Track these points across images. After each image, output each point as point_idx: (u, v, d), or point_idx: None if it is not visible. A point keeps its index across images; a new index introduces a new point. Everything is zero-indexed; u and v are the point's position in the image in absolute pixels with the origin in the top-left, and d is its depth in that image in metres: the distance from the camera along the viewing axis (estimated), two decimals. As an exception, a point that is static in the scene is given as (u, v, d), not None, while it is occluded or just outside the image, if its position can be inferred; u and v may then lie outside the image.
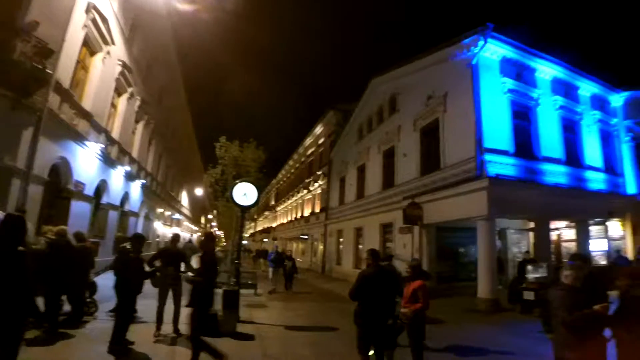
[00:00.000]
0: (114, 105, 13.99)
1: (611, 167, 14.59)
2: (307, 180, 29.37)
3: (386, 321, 4.07)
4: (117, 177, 14.61)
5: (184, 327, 5.84)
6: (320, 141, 27.27)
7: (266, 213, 52.33)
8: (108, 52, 11.91)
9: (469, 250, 12.88)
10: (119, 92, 14.10)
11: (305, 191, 29.55)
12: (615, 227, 14.25)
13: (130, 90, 14.81)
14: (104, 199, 13.59)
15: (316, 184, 26.97)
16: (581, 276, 3.47)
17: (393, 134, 15.66)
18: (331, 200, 23.32)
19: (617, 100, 15.31)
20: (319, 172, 26.42)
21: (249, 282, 11.62)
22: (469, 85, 11.11)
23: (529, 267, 9.60)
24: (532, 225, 12.17)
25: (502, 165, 10.96)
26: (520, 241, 13.68)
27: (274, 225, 44.36)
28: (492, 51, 11.46)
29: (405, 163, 14.49)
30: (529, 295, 8.87)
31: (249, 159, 16.62)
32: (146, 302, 6.18)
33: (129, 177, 16.17)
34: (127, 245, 5.67)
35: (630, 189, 14.79)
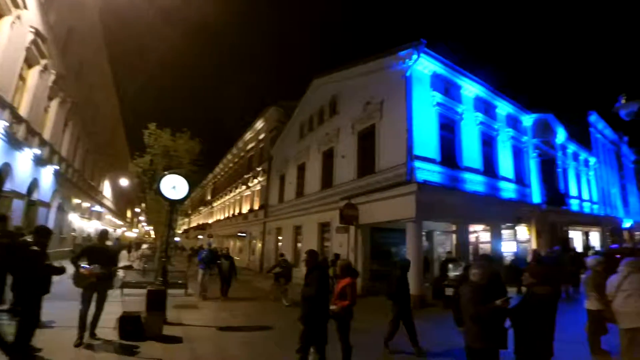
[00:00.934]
0: (22, 78, 12.21)
1: (521, 178, 16.58)
2: (246, 176, 28.66)
3: (326, 319, 4.16)
4: (23, 160, 12.76)
5: (104, 331, 5.41)
6: (261, 136, 26.80)
7: (202, 208, 49.97)
8: (18, 17, 10.38)
9: (401, 250, 13.66)
10: (29, 63, 12.34)
11: (244, 187, 28.83)
12: (523, 231, 16.28)
13: (43, 62, 13.04)
14: (7, 186, 11.78)
15: (255, 181, 26.47)
16: (486, 274, 3.88)
17: (333, 135, 16.01)
18: (271, 198, 23.07)
19: (528, 120, 17.50)
20: (258, 168, 25.96)
21: (179, 281, 11.06)
22: (403, 95, 11.81)
23: (450, 266, 10.55)
24: (454, 227, 13.32)
25: (430, 172, 11.83)
26: (445, 242, 14.92)
27: (210, 221, 42.54)
28: (424, 66, 12.30)
29: (343, 164, 14.89)
30: (449, 292, 9.55)
31: (182, 149, 15.54)
32: (62, 305, 5.54)
33: (39, 161, 14.23)
34: (29, 238, 4.96)
35: (536, 198, 16.98)
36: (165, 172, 8.14)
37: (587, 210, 22.89)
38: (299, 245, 17.42)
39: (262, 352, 5.80)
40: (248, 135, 29.47)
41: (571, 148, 21.86)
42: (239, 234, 27.69)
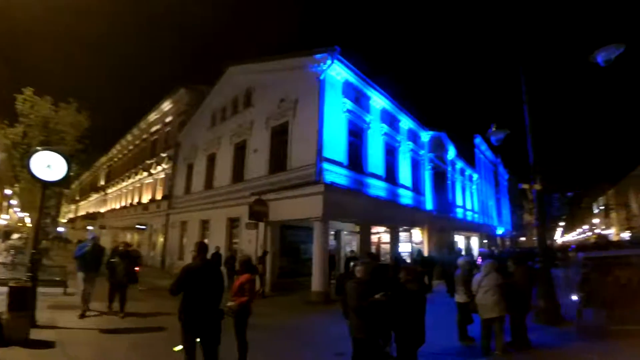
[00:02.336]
0: None
1: (417, 187, 18.35)
2: (148, 162, 25.97)
3: (212, 316, 3.89)
4: None
5: None
6: (168, 119, 24.56)
7: (93, 195, 43.88)
8: None
9: (309, 248, 13.83)
10: None
11: (146, 174, 26.11)
12: (417, 234, 18.07)
13: None
14: None
15: (159, 168, 24.18)
16: (369, 271, 4.18)
17: (246, 128, 15.51)
18: (176, 188, 21.34)
19: (425, 136, 19.50)
20: (163, 155, 23.75)
21: (57, 278, 9.65)
22: (316, 97, 12.00)
23: (352, 264, 11.07)
24: (358, 228, 14.08)
25: (337, 175, 12.27)
26: (351, 242, 15.74)
27: (102, 210, 37.59)
28: (337, 72, 12.71)
29: (255, 159, 14.53)
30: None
31: (66, 123, 13.27)
32: None
33: None
34: None
35: (429, 206, 18.99)
36: (39, 148, 6.79)
37: (469, 218, 26.55)
38: (206, 241, 16.45)
39: (150, 356, 5.29)
40: (153, 117, 26.67)
41: (459, 164, 25.12)
42: (138, 227, 24.97)
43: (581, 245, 30.95)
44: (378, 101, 15.24)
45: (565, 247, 35.85)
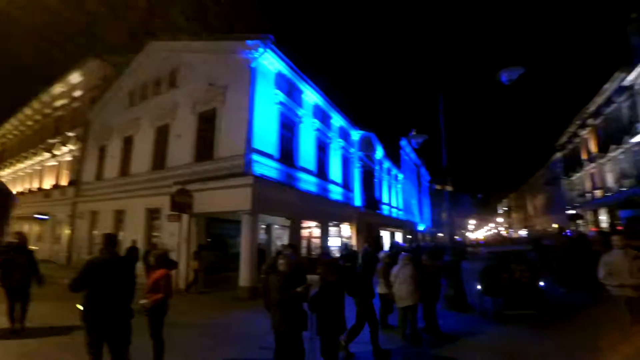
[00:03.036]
0: None
1: (347, 184, 18.90)
2: (51, 141, 22.66)
3: (120, 315, 3.49)
4: None
5: None
6: (77, 94, 21.70)
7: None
8: None
9: (237, 242, 13.27)
10: None
11: (48, 155, 22.73)
12: (346, 229, 18.58)
13: None
14: None
15: (65, 149, 21.24)
16: (291, 264, 4.12)
17: (170, 110, 14.32)
18: (85, 173, 18.98)
19: (355, 135, 20.18)
20: (70, 134, 20.89)
21: None
22: (247, 86, 11.57)
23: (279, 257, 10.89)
24: (290, 223, 13.93)
25: (267, 167, 12.01)
26: (282, 236, 15.41)
27: (-9, 195, 31.86)
28: (270, 62, 12.43)
29: (179, 145, 13.52)
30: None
31: None
32: None
33: None
34: None
35: (357, 202, 19.66)
36: None
37: (394, 215, 28.27)
38: (121, 234, 14.90)
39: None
40: (58, 89, 23.32)
41: (386, 164, 26.57)
42: (38, 216, 21.73)
43: (490, 241, 35.18)
44: (311, 96, 15.28)
45: (475, 242, 40.41)
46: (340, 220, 17.55)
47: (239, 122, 11.46)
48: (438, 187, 11.22)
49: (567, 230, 32.70)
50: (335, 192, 17.34)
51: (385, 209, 25.32)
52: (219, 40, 13.05)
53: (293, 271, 4.08)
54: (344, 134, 19.00)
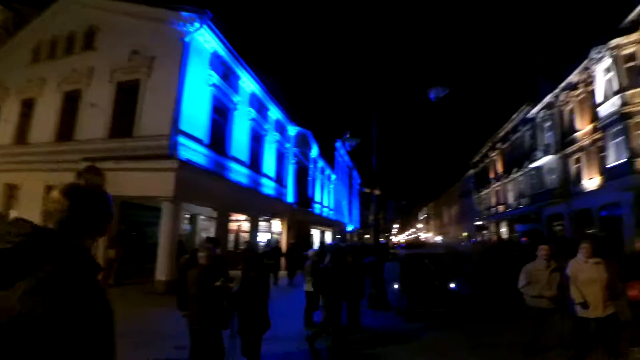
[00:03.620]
0: None
1: (280, 179, 18.78)
2: None
3: None
4: None
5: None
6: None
7: None
8: None
9: (156, 231, 12.18)
10: None
11: None
12: (277, 224, 18.38)
13: None
14: None
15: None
16: (211, 257, 3.89)
17: (83, 75, 12.64)
18: (-31, 139, 15.86)
19: (292, 130, 20.22)
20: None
21: None
22: (178, 60, 10.80)
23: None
24: (217, 214, 13.26)
25: (195, 153, 11.35)
26: (209, 227, 14.61)
27: None
28: (206, 39, 11.79)
29: (92, 116, 11.98)
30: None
31: None
32: None
33: None
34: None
35: (290, 198, 19.63)
36: None
37: (325, 214, 28.88)
38: (12, 212, 12.77)
39: None
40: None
41: (320, 163, 27.12)
42: None
43: (410, 244, 37.81)
44: (248, 84, 14.88)
45: (397, 244, 43.16)
46: (271, 215, 17.35)
47: (166, 99, 10.63)
48: (367, 190, 11.74)
49: (473, 239, 36.67)
50: (268, 186, 17.12)
51: (316, 208, 25.77)
52: (150, 5, 11.91)
53: (214, 265, 3.88)
54: (281, 128, 18.87)
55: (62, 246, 0.96)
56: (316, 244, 24.16)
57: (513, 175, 32.10)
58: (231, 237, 14.91)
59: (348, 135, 11.86)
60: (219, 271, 3.95)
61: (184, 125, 10.75)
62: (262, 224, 16.78)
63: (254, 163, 15.62)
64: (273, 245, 15.49)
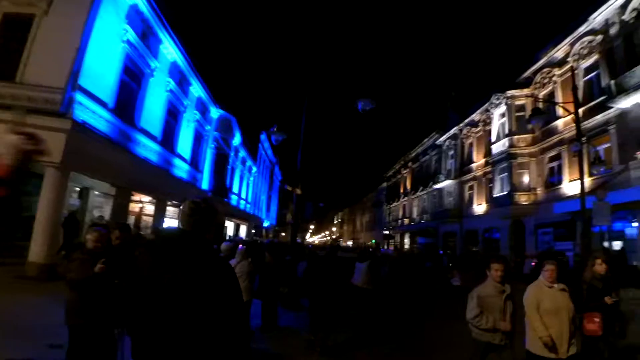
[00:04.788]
0: None
1: (196, 163, 17.65)
2: None
3: None
4: None
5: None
6: None
7: None
8: None
9: (35, 202, 10.14)
10: None
11: None
12: None
13: None
14: None
15: None
16: (102, 240, 3.34)
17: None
18: None
19: (214, 113, 19.23)
20: None
21: None
22: (87, 2, 9.29)
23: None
24: (115, 190, 11.72)
25: (96, 116, 9.97)
26: (104, 205, 12.59)
27: None
28: (125, -11, 10.52)
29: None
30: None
31: None
32: None
33: None
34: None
35: (205, 185, 18.56)
36: None
37: (242, 206, 28.07)
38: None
39: None
40: None
41: (242, 153, 26.34)
42: None
43: (323, 245, 39.01)
44: (171, 51, 13.63)
45: (312, 245, 44.17)
46: (182, 200, 15.90)
47: (66, 45, 9.06)
48: (289, 188, 11.67)
49: (382, 248, 39.35)
50: (181, 169, 15.95)
51: (233, 199, 24.92)
52: None
53: (106, 251, 3.26)
54: (202, 108, 17.75)
55: (201, 240, 1.62)
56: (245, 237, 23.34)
57: (419, 193, 35.56)
58: (131, 219, 13.31)
59: (275, 129, 11.69)
60: (119, 260, 3.26)
61: (84, 81, 9.34)
62: (171, 210, 15.47)
63: (167, 140, 14.40)
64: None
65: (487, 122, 23.24)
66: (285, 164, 45.89)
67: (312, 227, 74.97)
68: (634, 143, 13.48)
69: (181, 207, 2.17)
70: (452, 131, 28.70)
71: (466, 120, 26.36)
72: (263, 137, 31.44)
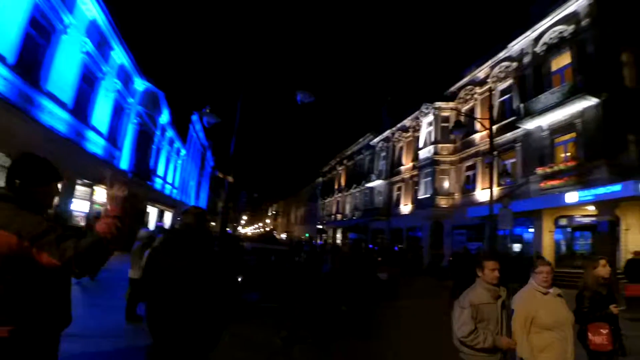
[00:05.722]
0: None
1: (114, 138, 15.80)
2: None
3: None
4: None
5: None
6: None
7: None
8: None
9: None
10: None
11: None
12: (102, 193, 15.10)
13: None
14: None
15: None
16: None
17: None
18: None
19: (139, 84, 17.34)
20: None
21: None
22: None
23: None
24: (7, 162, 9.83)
25: (-13, 70, 8.30)
26: None
27: None
28: None
29: None
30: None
31: None
32: None
33: None
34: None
35: (124, 164, 16.74)
36: None
37: (167, 191, 26.08)
38: None
39: None
40: None
41: (170, 133, 24.37)
42: None
43: (258, 238, 37.96)
44: (90, 7, 11.94)
45: (245, 236, 42.83)
46: (95, 180, 13.93)
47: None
48: (221, 175, 11.01)
49: (313, 241, 39.86)
50: (96, 144, 14.14)
51: (157, 182, 23.01)
52: None
53: None
54: (125, 78, 15.86)
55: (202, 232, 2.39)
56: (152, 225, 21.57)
57: (352, 190, 36.84)
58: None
59: (208, 110, 10.96)
60: None
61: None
62: (81, 189, 13.57)
63: (80, 109, 12.61)
64: (92, 220, 12.81)
65: (417, 128, 24.89)
66: (219, 149, 43.81)
67: (245, 217, 73.21)
68: (535, 160, 15.55)
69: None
70: (385, 134, 30.18)
71: (398, 125, 27.92)
72: (195, 118, 29.45)
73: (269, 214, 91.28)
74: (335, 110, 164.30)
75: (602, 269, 3.20)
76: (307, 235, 46.07)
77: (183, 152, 29.05)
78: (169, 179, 26.32)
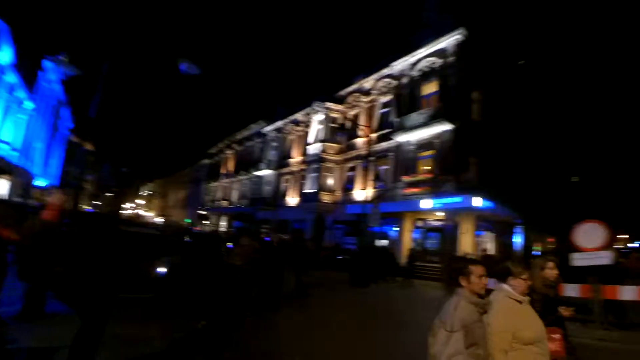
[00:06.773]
0: None
1: None
2: None
3: None
4: None
5: None
6: None
7: None
8: None
9: None
10: None
11: None
12: None
13: None
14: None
15: None
16: None
17: None
18: None
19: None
20: None
21: None
22: None
23: None
24: None
25: None
26: None
27: None
28: None
29: None
30: None
31: None
32: None
33: None
34: None
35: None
36: None
37: (3, 153, 20.51)
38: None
39: None
40: None
41: (11, 78, 19.18)
42: None
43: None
44: None
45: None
46: None
47: None
48: (76, 139, 9.04)
49: (192, 228, 37.19)
50: None
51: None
52: None
53: None
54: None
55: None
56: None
57: (240, 177, 35.80)
58: None
59: (63, 58, 8.91)
60: None
61: None
62: None
63: None
64: None
65: (308, 124, 25.73)
66: (81, 109, 36.47)
67: (109, 194, 63.42)
68: (403, 169, 17.89)
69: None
70: (278, 124, 30.27)
71: (291, 117, 28.36)
72: (50, 65, 23.74)
73: (142, 193, 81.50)
74: (226, 91, 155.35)
75: (550, 271, 2.94)
76: (188, 220, 42.85)
77: (30, 105, 23.17)
78: (4, 138, 20.79)
